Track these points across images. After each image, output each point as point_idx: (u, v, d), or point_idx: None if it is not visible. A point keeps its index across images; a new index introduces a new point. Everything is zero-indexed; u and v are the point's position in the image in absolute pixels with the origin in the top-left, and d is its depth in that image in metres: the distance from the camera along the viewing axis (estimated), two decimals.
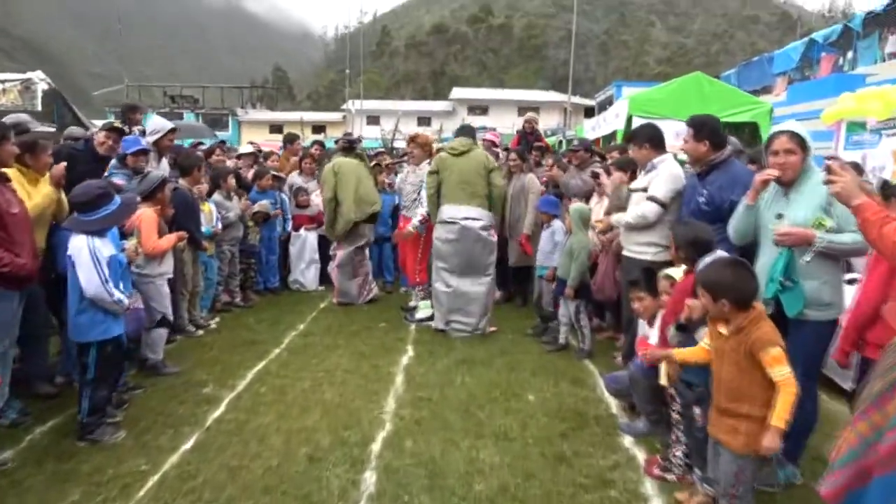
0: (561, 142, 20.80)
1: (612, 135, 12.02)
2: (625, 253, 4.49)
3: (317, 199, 7.50)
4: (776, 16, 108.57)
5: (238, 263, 6.64)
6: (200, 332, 5.67)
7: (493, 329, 5.85)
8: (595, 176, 5.62)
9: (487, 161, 5.86)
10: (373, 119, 44.91)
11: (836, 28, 19.73)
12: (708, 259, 2.92)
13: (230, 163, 7.42)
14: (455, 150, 5.80)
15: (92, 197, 3.37)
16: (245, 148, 8.26)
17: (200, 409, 4.00)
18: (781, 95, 15.79)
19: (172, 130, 5.60)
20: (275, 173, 7.28)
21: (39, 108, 10.80)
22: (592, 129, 15.31)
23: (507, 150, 8.40)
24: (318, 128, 45.82)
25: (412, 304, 6.47)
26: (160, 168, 5.40)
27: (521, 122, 9.27)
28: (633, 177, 4.79)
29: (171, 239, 4.52)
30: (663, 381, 3.15)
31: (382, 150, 11.90)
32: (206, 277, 5.95)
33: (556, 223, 5.61)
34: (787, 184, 3.06)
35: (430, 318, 6.01)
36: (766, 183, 3.10)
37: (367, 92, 55.59)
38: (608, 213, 4.96)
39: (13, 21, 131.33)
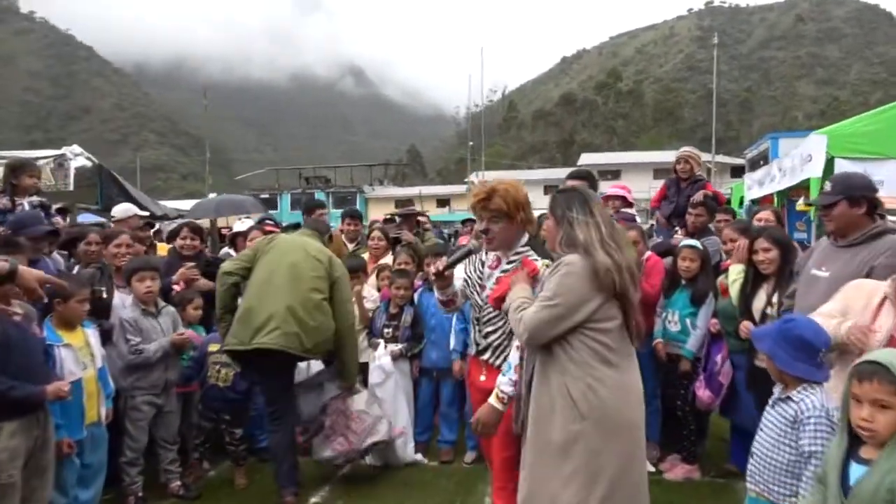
0: None
1: (803, 186, 8.53)
2: None
3: None
4: None
5: (172, 423, 3.92)
6: None
7: None
8: None
9: None
10: None
11: None
12: None
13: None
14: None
15: None
16: (239, 225, 5.70)
17: None
18: None
19: None
20: None
21: (72, 187, 9.22)
22: (759, 184, 11.72)
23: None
24: (443, 201, 44.86)
25: None
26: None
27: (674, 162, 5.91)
28: None
29: None
30: None
31: None
32: (82, 465, 3.24)
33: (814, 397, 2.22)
34: None
35: None
36: None
37: (494, 163, 54.08)
38: None
39: (187, 122, 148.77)
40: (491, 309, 2.92)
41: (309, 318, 3.56)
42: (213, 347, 4.06)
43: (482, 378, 3.00)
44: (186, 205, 13.95)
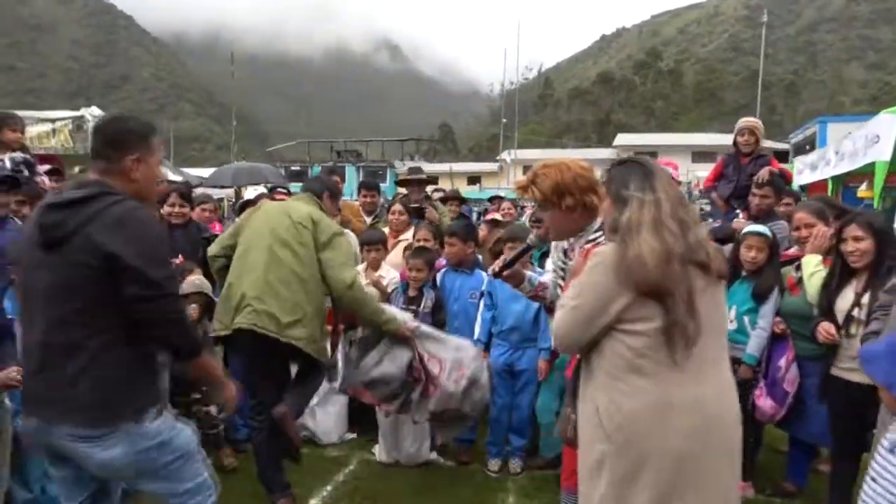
0: None
1: (864, 171, 7.93)
2: None
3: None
4: None
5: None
6: None
7: None
8: None
9: None
10: (528, 169, 42.49)
11: None
12: None
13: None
14: None
15: None
16: (250, 193, 5.31)
17: None
18: None
19: None
20: None
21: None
22: (811, 168, 10.95)
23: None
24: (473, 178, 44.40)
25: None
26: None
27: (734, 136, 5.20)
28: None
29: None
30: None
31: None
32: None
33: None
34: None
35: None
36: None
37: (528, 142, 53.16)
38: None
39: (223, 93, 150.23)
40: None
41: (287, 291, 3.08)
42: None
43: None
44: (208, 173, 13.89)
